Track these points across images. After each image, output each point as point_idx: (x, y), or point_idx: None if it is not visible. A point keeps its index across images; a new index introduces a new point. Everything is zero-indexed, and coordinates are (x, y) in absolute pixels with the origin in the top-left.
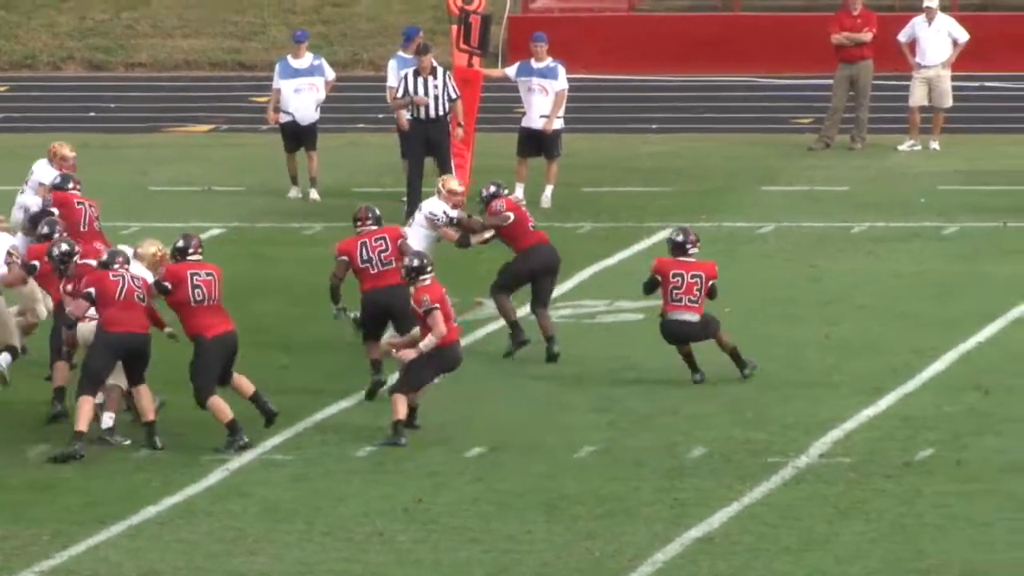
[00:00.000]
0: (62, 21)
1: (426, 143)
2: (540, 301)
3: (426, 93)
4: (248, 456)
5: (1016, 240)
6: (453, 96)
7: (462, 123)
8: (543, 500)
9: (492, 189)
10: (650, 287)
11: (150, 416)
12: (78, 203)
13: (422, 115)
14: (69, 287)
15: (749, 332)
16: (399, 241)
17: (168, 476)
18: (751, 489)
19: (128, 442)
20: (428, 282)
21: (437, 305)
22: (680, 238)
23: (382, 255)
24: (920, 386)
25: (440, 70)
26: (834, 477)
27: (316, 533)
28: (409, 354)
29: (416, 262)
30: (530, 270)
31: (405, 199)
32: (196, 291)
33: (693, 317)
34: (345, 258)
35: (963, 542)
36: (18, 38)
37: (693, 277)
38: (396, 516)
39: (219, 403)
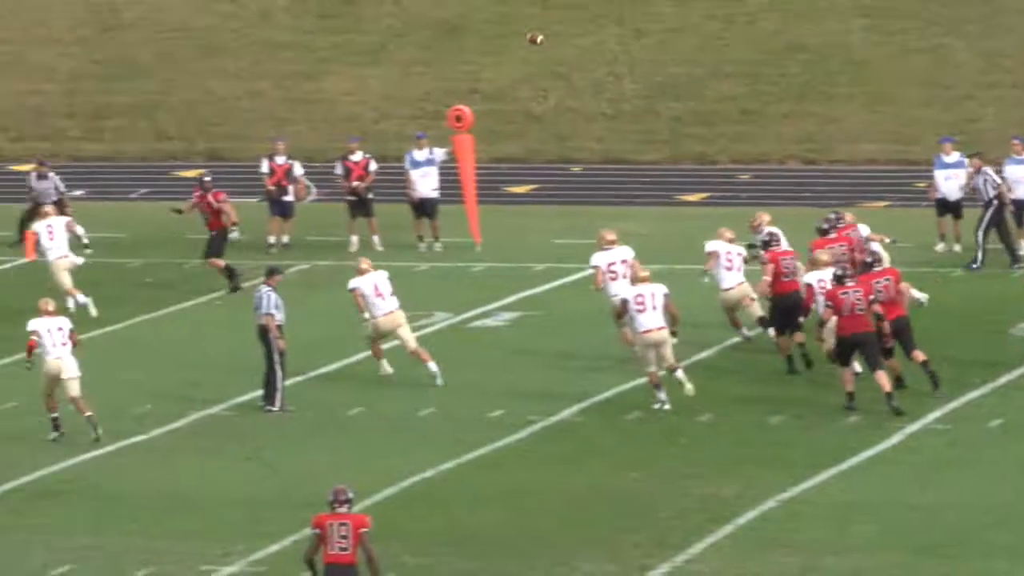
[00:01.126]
0: (785, 132)
1: None
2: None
3: None
4: (914, 426)
5: None
6: None
7: None
8: None
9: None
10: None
11: (887, 388)
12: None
13: None
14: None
15: None
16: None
17: (862, 436)
18: None
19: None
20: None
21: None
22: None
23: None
24: None
25: None
26: None
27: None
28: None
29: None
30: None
31: None
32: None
33: None
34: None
35: None
36: (755, 142)
37: None
38: None
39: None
